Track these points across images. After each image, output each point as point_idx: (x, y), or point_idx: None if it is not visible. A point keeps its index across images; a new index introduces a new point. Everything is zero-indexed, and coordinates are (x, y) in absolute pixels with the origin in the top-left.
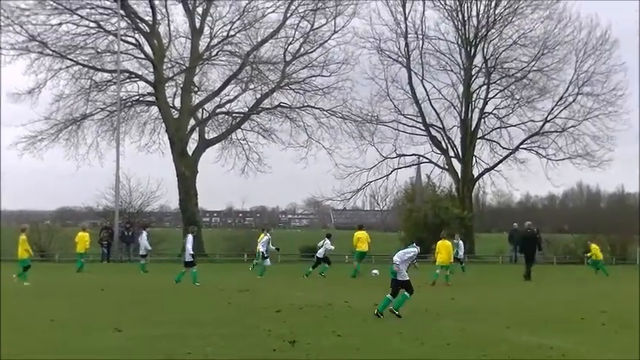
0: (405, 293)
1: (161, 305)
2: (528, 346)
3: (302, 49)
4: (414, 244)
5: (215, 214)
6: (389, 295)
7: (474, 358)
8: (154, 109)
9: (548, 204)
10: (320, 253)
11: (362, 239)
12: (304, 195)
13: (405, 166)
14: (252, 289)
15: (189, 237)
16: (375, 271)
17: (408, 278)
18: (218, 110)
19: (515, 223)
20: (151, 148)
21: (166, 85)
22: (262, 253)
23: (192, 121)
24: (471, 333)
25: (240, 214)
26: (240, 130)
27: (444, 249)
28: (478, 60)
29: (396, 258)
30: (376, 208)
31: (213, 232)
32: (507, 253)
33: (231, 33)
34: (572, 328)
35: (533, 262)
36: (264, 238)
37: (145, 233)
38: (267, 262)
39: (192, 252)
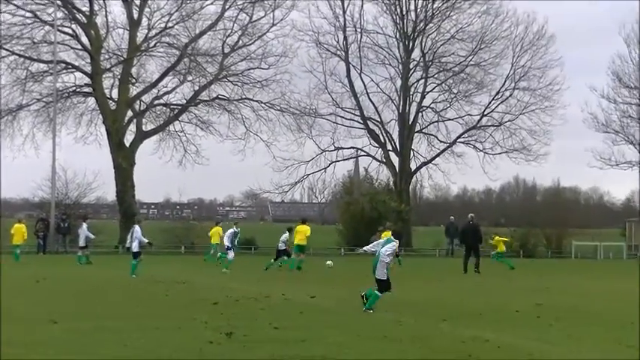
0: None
1: (98, 297)
2: (464, 338)
3: (240, 42)
4: (392, 238)
5: (152, 206)
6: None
7: (410, 351)
8: (91, 101)
9: (485, 197)
10: (280, 246)
11: (300, 232)
12: (242, 187)
13: (343, 159)
14: (189, 282)
15: (137, 227)
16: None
17: (385, 278)
18: (156, 102)
19: (452, 217)
20: (88, 140)
21: (104, 76)
22: (228, 246)
23: (129, 113)
24: (407, 326)
25: (178, 206)
26: (178, 121)
27: None
28: (416, 54)
29: (383, 254)
30: (314, 201)
31: (150, 225)
32: (444, 246)
33: (169, 25)
34: (507, 321)
35: (478, 253)
36: (229, 231)
37: (85, 225)
38: (231, 255)
39: (146, 241)
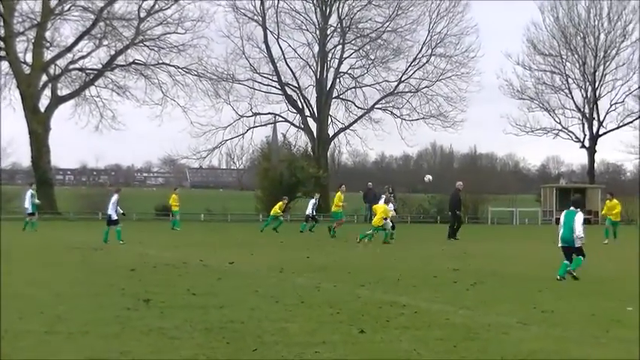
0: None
1: (11, 264)
2: (381, 303)
3: (157, 6)
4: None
5: (69, 172)
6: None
7: (328, 316)
8: (4, 65)
9: (403, 164)
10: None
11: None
12: (160, 153)
13: (261, 125)
14: (106, 248)
15: (115, 196)
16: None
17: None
18: (71, 66)
19: (369, 183)
20: (2, 104)
21: (17, 39)
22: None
23: (44, 78)
24: (325, 291)
25: (95, 172)
26: (94, 86)
27: (379, 210)
28: (333, 20)
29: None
30: (232, 167)
31: (66, 191)
32: (362, 212)
33: None
34: (424, 286)
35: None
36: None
37: (30, 191)
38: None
39: (121, 211)
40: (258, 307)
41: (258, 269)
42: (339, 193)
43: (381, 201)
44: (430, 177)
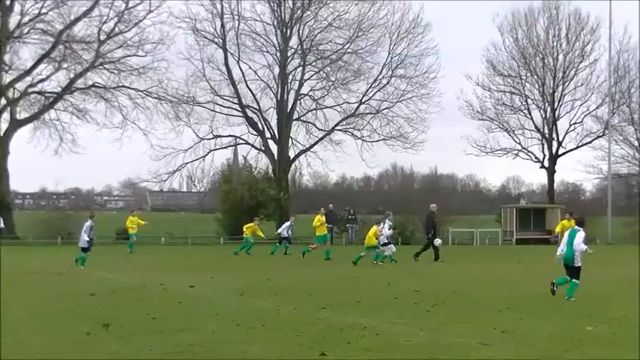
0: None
1: None
2: (343, 325)
3: (117, 29)
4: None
5: (28, 196)
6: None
7: (290, 339)
8: None
9: (364, 185)
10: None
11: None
12: (120, 176)
13: (222, 148)
14: (65, 273)
15: (89, 222)
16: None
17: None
18: (30, 90)
19: (330, 205)
20: None
21: None
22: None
23: (2, 101)
24: (286, 314)
25: (54, 196)
26: (53, 110)
27: (371, 232)
28: (294, 42)
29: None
30: (193, 190)
31: (25, 215)
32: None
33: (43, 11)
34: (385, 308)
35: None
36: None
37: None
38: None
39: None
40: (219, 330)
41: (219, 292)
42: (318, 216)
43: (384, 224)
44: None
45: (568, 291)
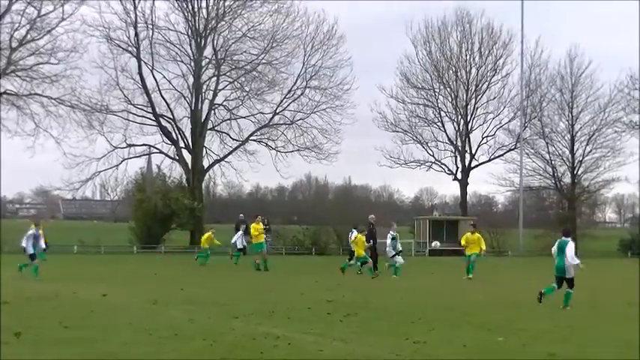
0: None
1: None
2: (256, 334)
3: (29, 36)
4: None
5: None
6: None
7: (202, 349)
8: None
9: (278, 195)
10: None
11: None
12: (32, 184)
13: (136, 156)
14: None
15: (33, 229)
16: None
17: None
18: None
19: (241, 214)
20: None
21: None
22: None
23: None
24: (198, 323)
25: None
26: None
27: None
28: (208, 51)
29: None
30: (107, 198)
31: None
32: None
33: None
34: (299, 318)
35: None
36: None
37: None
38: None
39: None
40: (131, 340)
41: (132, 301)
42: (254, 224)
43: (389, 236)
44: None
45: (565, 301)
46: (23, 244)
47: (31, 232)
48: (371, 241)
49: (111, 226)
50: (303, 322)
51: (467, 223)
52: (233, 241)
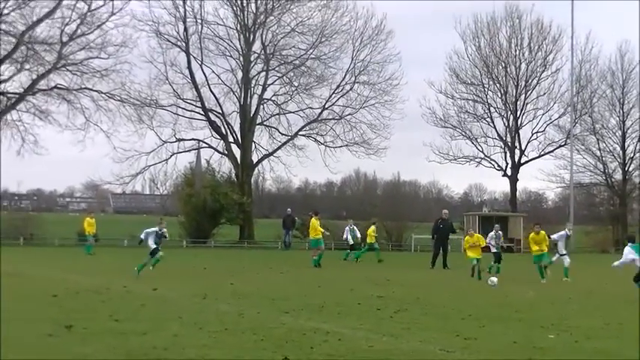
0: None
1: None
2: (305, 330)
3: (79, 30)
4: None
5: None
6: None
7: (252, 343)
8: None
9: (327, 190)
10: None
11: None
12: (82, 178)
13: (185, 151)
14: (27, 274)
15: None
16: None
17: None
18: None
19: (288, 209)
20: None
21: None
22: None
23: None
24: (248, 318)
25: (16, 197)
26: (15, 111)
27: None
28: (257, 46)
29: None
30: (156, 193)
31: None
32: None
33: (5, 12)
34: (348, 313)
35: (447, 249)
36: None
37: None
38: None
39: None
40: (181, 333)
41: (182, 295)
42: (313, 220)
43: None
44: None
45: None
46: (142, 236)
47: (155, 229)
48: (435, 236)
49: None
50: (353, 317)
51: (516, 219)
52: (345, 236)
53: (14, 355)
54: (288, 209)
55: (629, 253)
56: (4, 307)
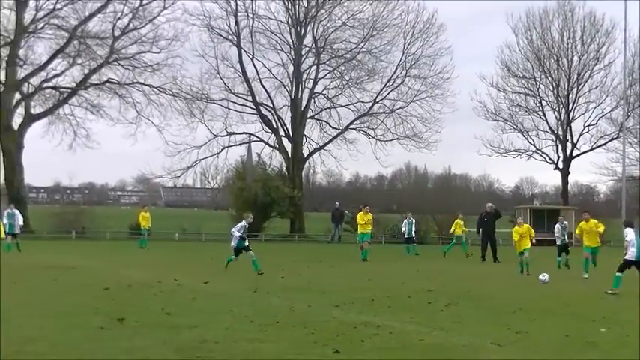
0: None
1: None
2: (356, 323)
3: (131, 25)
4: None
5: (42, 190)
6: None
7: (303, 336)
8: None
9: (377, 184)
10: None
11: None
12: (134, 172)
13: (236, 145)
14: (79, 267)
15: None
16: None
17: None
18: (45, 85)
19: (337, 202)
20: None
21: None
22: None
23: (17, 95)
24: (299, 311)
25: (68, 191)
26: (67, 105)
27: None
28: (308, 40)
29: None
30: (207, 186)
31: (39, 209)
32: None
33: (58, 6)
34: (399, 307)
35: (495, 241)
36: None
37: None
38: None
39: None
40: (232, 326)
41: (233, 289)
42: (361, 213)
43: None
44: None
45: None
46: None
47: (243, 224)
48: (481, 230)
49: (211, 213)
50: (403, 310)
51: (568, 212)
52: (403, 229)
53: (65, 348)
54: (337, 203)
55: (629, 232)
56: (57, 300)
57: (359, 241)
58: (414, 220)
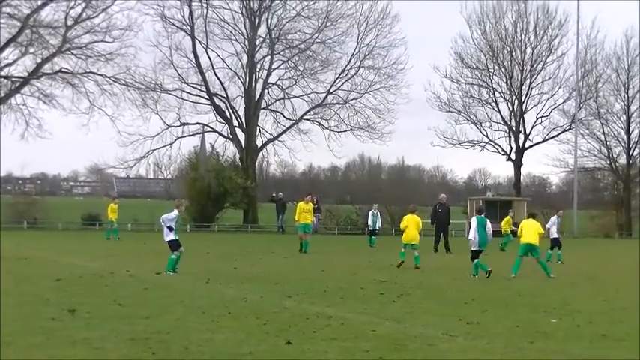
0: None
1: None
2: (308, 314)
3: (84, 14)
4: None
5: None
6: None
7: (255, 327)
8: None
9: (331, 175)
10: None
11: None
12: (86, 162)
13: (189, 135)
14: (31, 258)
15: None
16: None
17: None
18: None
19: (280, 193)
20: None
21: None
22: None
23: None
24: (251, 302)
25: (20, 181)
26: (19, 94)
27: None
28: (262, 30)
29: None
30: (160, 177)
31: None
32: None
33: None
34: (351, 298)
35: (448, 233)
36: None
37: None
38: None
39: None
40: (185, 317)
41: (185, 279)
42: (302, 203)
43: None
44: None
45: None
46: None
47: (175, 213)
48: (435, 221)
49: (165, 204)
50: (355, 301)
51: (520, 204)
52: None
53: (17, 339)
54: (280, 193)
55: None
56: (7, 291)
57: (297, 232)
58: (378, 213)
